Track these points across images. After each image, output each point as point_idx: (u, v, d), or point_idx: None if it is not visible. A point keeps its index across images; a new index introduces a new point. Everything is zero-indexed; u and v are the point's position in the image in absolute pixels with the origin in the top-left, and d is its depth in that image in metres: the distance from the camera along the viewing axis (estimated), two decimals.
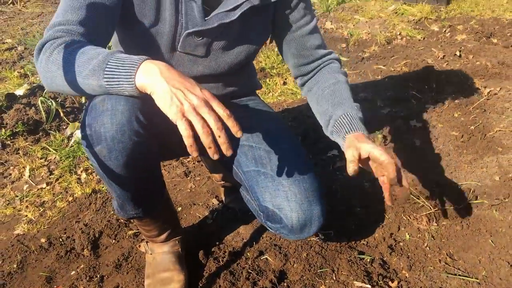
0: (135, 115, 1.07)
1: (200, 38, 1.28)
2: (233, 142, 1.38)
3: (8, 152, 2.30)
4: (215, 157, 0.97)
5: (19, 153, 2.29)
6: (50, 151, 2.30)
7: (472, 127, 2.28)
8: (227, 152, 0.97)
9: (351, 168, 1.18)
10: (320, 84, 1.43)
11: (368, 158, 1.22)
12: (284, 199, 1.23)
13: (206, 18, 1.25)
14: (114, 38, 1.39)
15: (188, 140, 0.94)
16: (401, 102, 2.61)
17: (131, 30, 1.27)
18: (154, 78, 0.97)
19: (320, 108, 1.40)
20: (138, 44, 1.30)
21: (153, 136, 1.14)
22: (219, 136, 0.95)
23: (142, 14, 1.23)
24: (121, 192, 1.21)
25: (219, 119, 0.97)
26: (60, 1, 1.15)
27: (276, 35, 1.44)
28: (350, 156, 1.20)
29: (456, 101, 2.54)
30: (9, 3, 5.06)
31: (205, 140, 0.95)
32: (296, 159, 1.33)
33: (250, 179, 1.31)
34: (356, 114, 1.32)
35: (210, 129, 0.95)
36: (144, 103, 1.08)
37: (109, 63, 1.00)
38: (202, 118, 0.95)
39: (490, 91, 2.59)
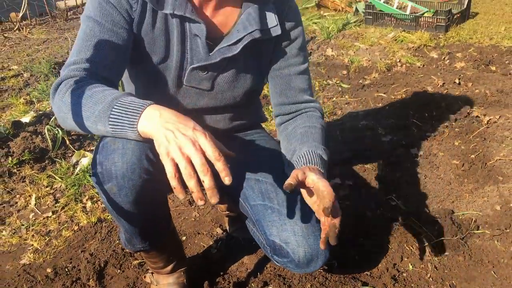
0: (145, 153, 1.10)
1: (205, 73, 1.32)
2: (239, 174, 1.42)
3: (15, 181, 2.32)
4: (200, 203, 0.95)
5: (25, 182, 2.32)
6: (56, 179, 2.33)
7: (473, 156, 2.31)
8: (212, 199, 0.95)
9: (287, 182, 1.12)
10: (296, 124, 1.43)
11: (312, 194, 1.20)
12: (291, 234, 1.25)
13: (210, 53, 1.29)
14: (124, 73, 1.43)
15: (171, 181, 0.94)
16: (402, 130, 2.65)
17: (140, 65, 1.31)
18: (152, 123, 0.99)
19: (289, 145, 1.39)
20: (147, 79, 1.34)
21: (161, 171, 1.17)
22: (203, 181, 0.94)
23: (151, 51, 1.27)
24: (129, 227, 1.24)
25: (207, 161, 0.94)
26: (76, 39, 1.20)
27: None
28: (293, 173, 1.16)
29: (456, 129, 2.58)
30: (15, 29, 5.15)
31: (188, 183, 0.94)
32: None
33: (257, 213, 1.33)
34: (320, 154, 1.30)
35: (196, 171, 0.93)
36: None
37: (113, 110, 1.02)
38: (188, 158, 0.94)
39: (490, 119, 2.63)
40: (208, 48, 1.28)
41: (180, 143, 0.95)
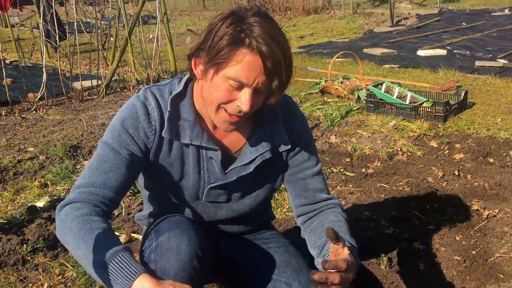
0: (195, 253, 1.24)
1: (222, 189, 1.45)
2: (253, 273, 1.51)
3: (28, 269, 2.38)
4: None
5: (38, 270, 2.38)
6: (67, 267, 2.39)
7: (474, 252, 2.37)
8: None
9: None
10: (320, 220, 1.51)
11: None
12: None
13: (225, 172, 1.42)
14: (141, 181, 1.56)
15: None
16: (404, 222, 2.73)
17: (158, 185, 1.46)
18: None
19: (318, 240, 1.45)
20: (165, 195, 1.48)
21: (206, 266, 1.29)
22: None
23: (168, 173, 1.42)
24: None
25: None
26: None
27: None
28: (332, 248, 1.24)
29: (457, 223, 2.66)
30: (32, 109, 5.39)
31: None
32: None
33: None
34: (351, 243, 1.38)
35: None
36: (201, 239, 1.27)
37: (110, 266, 1.15)
38: None
39: (489, 213, 2.71)
40: (222, 167, 1.41)
41: None
